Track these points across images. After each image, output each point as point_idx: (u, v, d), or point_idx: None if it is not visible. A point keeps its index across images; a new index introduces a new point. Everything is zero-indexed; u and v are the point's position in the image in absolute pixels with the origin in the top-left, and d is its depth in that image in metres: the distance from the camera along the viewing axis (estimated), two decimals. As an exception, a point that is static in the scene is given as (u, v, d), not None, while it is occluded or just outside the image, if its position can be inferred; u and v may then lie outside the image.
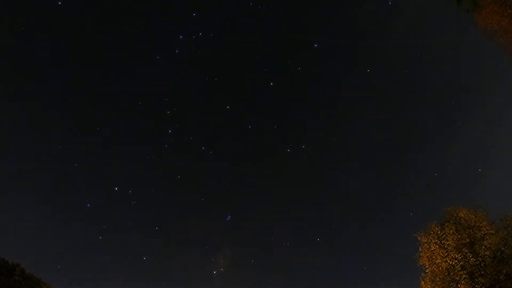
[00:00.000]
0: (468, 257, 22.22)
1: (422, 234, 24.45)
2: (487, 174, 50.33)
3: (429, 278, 23.44)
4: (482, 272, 21.77)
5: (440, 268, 22.93)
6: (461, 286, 22.19)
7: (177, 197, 57.06)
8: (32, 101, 53.34)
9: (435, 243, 23.66)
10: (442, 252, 23.14)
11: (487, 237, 22.36)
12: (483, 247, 22.18)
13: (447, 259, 22.76)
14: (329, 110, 57.34)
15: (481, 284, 21.50)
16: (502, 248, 21.94)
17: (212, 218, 57.11)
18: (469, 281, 21.91)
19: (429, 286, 23.37)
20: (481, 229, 22.73)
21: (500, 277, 20.97)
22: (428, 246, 23.98)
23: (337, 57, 53.54)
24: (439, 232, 23.81)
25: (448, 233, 23.39)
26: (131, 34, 51.80)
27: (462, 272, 22.24)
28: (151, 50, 52.19)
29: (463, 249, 22.32)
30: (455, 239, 22.75)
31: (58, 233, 54.90)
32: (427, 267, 23.83)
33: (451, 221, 23.71)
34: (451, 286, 22.50)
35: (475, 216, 23.32)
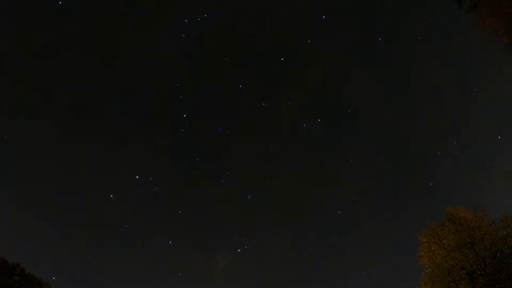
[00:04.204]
0: (468, 257, 22.22)
1: (422, 234, 24.48)
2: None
3: (429, 278, 23.45)
4: (482, 272, 21.77)
5: (440, 268, 22.94)
6: (461, 286, 22.20)
7: (197, 179, 57.58)
8: (43, 96, 53.38)
9: (435, 243, 23.68)
10: (442, 252, 23.15)
11: (487, 237, 22.36)
12: (483, 247, 22.19)
13: (447, 259, 22.77)
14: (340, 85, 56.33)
15: (481, 284, 21.50)
16: (502, 248, 21.95)
17: (233, 198, 57.71)
18: (469, 281, 21.92)
19: (429, 286, 23.38)
20: (481, 229, 22.73)
21: (500, 277, 20.98)
22: (428, 246, 24.00)
23: (349, 29, 52.55)
24: (439, 232, 23.84)
25: (448, 233, 23.41)
26: (135, 24, 51.64)
27: (462, 272, 22.26)
28: (158, 37, 52.17)
29: (463, 249, 22.32)
30: (455, 239, 22.75)
31: (83, 227, 55.46)
32: (427, 267, 23.85)
33: (451, 221, 23.73)
34: (451, 286, 22.50)
35: (475, 216, 23.33)
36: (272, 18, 51.29)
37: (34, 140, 53.90)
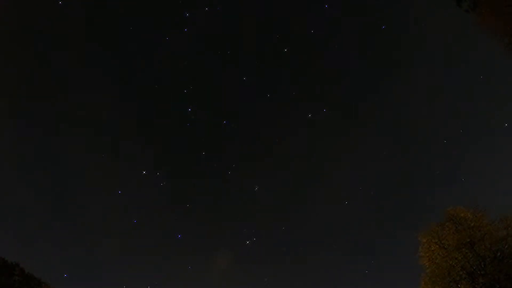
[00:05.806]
0: (468, 257, 22.21)
1: (422, 234, 24.48)
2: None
3: (429, 278, 23.45)
4: (482, 272, 21.77)
5: (440, 268, 22.94)
6: (461, 286, 22.21)
7: (204, 173, 57.91)
8: (44, 95, 53.40)
9: (435, 243, 23.69)
10: (442, 252, 23.16)
11: (487, 237, 22.34)
12: (483, 247, 22.17)
13: (447, 259, 22.77)
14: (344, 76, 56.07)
15: (481, 284, 21.49)
16: (502, 248, 21.94)
17: (240, 190, 57.99)
18: (469, 281, 21.92)
19: (429, 286, 23.38)
20: (481, 229, 22.71)
21: (500, 277, 20.96)
22: (428, 246, 24.01)
23: (351, 17, 52.31)
24: (439, 232, 23.84)
25: (448, 233, 23.42)
26: (136, 20, 51.55)
27: (462, 272, 22.25)
28: (160, 32, 52.18)
29: (463, 249, 22.31)
30: (455, 239, 22.75)
31: (92, 224, 55.61)
32: (427, 267, 23.85)
33: (451, 221, 23.74)
34: (451, 286, 22.50)
35: (475, 216, 23.32)
36: (273, 11, 51.40)
37: (36, 138, 54.06)
